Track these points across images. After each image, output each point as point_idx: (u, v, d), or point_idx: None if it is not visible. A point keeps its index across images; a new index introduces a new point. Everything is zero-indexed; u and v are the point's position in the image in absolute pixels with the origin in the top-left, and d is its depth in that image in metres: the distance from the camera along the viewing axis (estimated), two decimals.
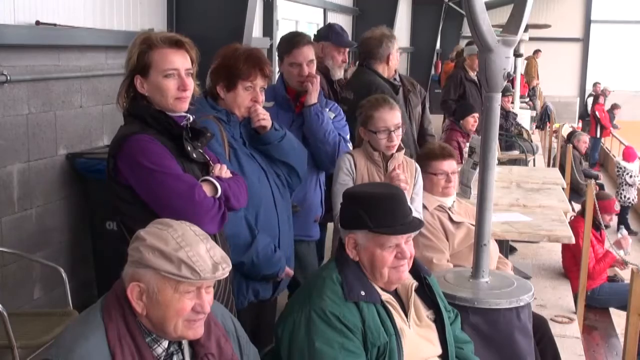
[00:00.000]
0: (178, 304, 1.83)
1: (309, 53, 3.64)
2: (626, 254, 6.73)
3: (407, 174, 3.48)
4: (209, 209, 2.40)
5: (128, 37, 4.61)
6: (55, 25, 4.07)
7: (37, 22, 3.95)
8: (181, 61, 2.41)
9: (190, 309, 1.84)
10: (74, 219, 4.39)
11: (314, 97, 3.55)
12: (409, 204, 2.47)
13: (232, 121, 2.90)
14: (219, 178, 2.51)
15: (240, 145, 2.88)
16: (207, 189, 2.44)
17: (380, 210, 2.35)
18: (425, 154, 3.86)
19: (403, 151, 3.53)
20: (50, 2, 4.13)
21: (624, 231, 6.85)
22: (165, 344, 1.91)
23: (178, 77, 2.40)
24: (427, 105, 5.26)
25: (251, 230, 2.83)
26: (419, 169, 3.58)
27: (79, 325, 1.88)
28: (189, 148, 2.44)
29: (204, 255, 1.83)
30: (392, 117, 3.42)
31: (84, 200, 4.37)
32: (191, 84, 2.44)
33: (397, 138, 3.43)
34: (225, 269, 1.86)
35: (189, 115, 2.47)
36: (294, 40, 3.68)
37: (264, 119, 2.93)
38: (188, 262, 1.80)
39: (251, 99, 2.92)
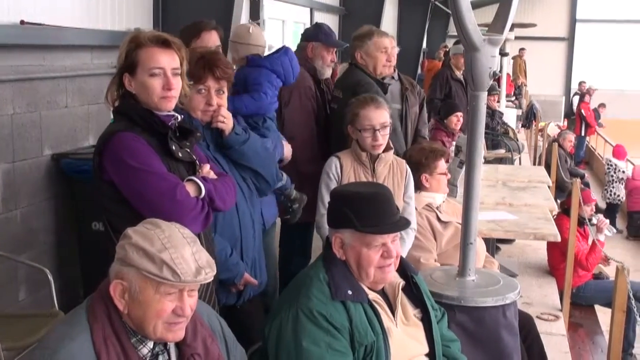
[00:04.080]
0: (158, 305, 1.82)
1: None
2: (611, 232, 6.74)
3: (398, 175, 3.48)
4: (191, 209, 2.38)
5: (114, 37, 4.63)
6: (40, 24, 4.04)
7: (22, 22, 3.92)
8: (167, 60, 2.40)
9: (170, 311, 1.83)
10: (59, 219, 4.36)
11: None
12: (395, 203, 2.47)
13: (195, 124, 2.81)
14: (204, 178, 2.50)
15: (203, 149, 2.80)
16: (190, 189, 2.42)
17: (367, 209, 2.35)
18: (437, 153, 3.88)
19: (392, 151, 3.53)
20: (36, 2, 4.10)
21: (599, 215, 6.89)
22: (150, 344, 1.90)
23: (164, 76, 2.39)
24: (425, 107, 5.26)
25: None
26: (409, 170, 3.58)
27: (64, 326, 1.87)
28: (173, 147, 2.42)
29: (189, 258, 1.83)
30: (378, 115, 3.41)
31: (70, 201, 4.35)
32: (178, 83, 2.43)
33: (383, 137, 3.42)
34: (208, 274, 1.85)
35: (176, 114, 2.46)
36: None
37: (222, 121, 2.87)
38: (170, 263, 1.79)
39: (205, 103, 2.85)
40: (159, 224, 1.90)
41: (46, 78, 4.19)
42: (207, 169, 2.55)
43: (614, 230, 6.89)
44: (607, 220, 6.91)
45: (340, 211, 2.38)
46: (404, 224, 2.43)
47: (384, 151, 3.46)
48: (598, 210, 9.29)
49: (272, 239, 3.81)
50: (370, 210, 2.34)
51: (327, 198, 3.30)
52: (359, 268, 2.34)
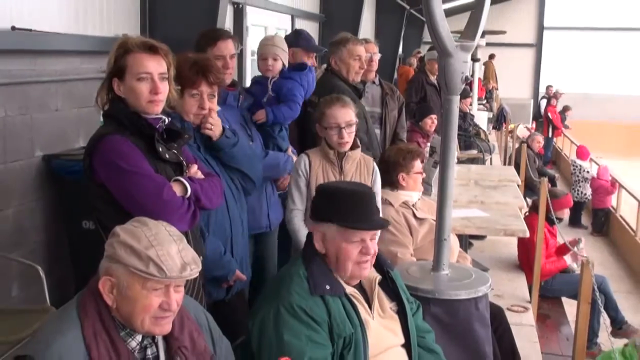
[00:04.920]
0: (145, 300, 1.82)
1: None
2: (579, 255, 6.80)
3: (364, 172, 3.48)
4: (177, 208, 2.38)
5: (102, 43, 4.59)
6: (30, 30, 4.00)
7: (13, 28, 3.88)
8: (155, 66, 2.39)
9: (157, 305, 1.83)
10: (50, 218, 4.32)
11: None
12: (376, 203, 2.48)
13: (187, 126, 2.82)
14: (190, 179, 2.49)
15: (194, 150, 2.82)
16: (177, 188, 2.43)
17: (349, 206, 2.36)
18: (414, 154, 3.89)
19: (359, 149, 3.52)
20: (26, 8, 4.06)
21: (582, 245, 6.97)
22: (139, 337, 1.90)
23: (151, 81, 2.38)
24: (404, 111, 5.28)
25: (201, 232, 2.78)
26: (376, 168, 3.58)
27: (56, 322, 1.86)
28: (160, 149, 2.42)
29: (175, 255, 1.83)
30: (344, 114, 3.40)
31: (60, 200, 4.30)
32: (164, 87, 2.42)
33: (349, 135, 3.40)
34: (193, 270, 1.85)
35: (164, 117, 2.46)
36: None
37: (210, 128, 2.88)
38: (156, 260, 1.80)
39: (198, 107, 2.87)
40: (146, 222, 1.90)
41: (37, 82, 4.15)
42: (194, 170, 2.56)
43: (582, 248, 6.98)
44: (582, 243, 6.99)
45: (323, 206, 2.41)
46: (383, 223, 2.46)
47: (350, 149, 3.44)
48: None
49: (275, 240, 3.79)
50: (353, 207, 2.36)
51: (296, 194, 3.37)
52: (337, 262, 2.36)
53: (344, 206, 2.36)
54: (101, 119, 2.55)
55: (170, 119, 2.51)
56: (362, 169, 3.47)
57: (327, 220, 2.37)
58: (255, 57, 4.09)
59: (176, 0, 5.24)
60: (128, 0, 5.14)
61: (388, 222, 2.50)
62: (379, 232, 2.46)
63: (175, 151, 2.51)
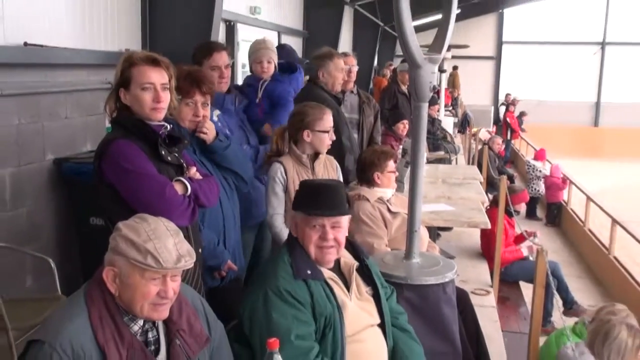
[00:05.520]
0: (144, 288, 1.81)
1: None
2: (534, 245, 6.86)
3: (331, 170, 3.48)
4: (179, 205, 2.38)
5: (107, 57, 4.55)
6: (42, 46, 3.96)
7: (25, 43, 3.84)
8: (157, 77, 2.39)
9: (155, 293, 1.83)
10: (61, 215, 4.28)
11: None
12: (344, 197, 2.47)
13: (183, 131, 2.81)
14: (190, 179, 2.50)
15: (190, 153, 2.80)
16: (178, 188, 2.43)
17: (313, 196, 2.40)
18: (387, 155, 3.89)
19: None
20: (38, 25, 4.02)
21: (537, 239, 7.04)
22: (140, 322, 1.89)
23: (154, 91, 2.39)
24: (379, 118, 5.29)
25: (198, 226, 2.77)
26: (338, 165, 3.58)
27: (65, 309, 1.85)
28: (163, 152, 2.42)
29: (171, 248, 1.82)
30: (331, 119, 3.43)
31: (70, 199, 4.26)
32: (166, 96, 2.42)
33: (330, 138, 3.42)
34: (188, 261, 1.84)
35: (166, 124, 2.46)
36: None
37: (205, 133, 2.88)
38: (154, 252, 1.79)
39: (193, 114, 2.86)
40: (146, 218, 1.89)
41: (48, 93, 4.10)
42: (193, 171, 2.57)
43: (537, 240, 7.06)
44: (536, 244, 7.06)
45: (296, 197, 2.48)
46: (339, 213, 2.40)
47: None
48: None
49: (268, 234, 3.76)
50: (315, 197, 2.39)
51: (274, 200, 3.26)
52: (304, 245, 2.38)
53: (308, 196, 2.41)
54: (107, 126, 2.54)
55: (171, 125, 2.51)
56: (328, 167, 3.48)
57: (296, 208, 2.43)
58: (246, 69, 4.07)
59: (174, 18, 5.21)
60: (130, 17, 5.10)
61: (347, 212, 2.44)
62: (341, 221, 2.40)
63: (177, 154, 2.51)
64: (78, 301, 1.84)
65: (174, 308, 1.94)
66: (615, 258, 9.64)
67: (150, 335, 1.91)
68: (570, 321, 4.53)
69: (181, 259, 1.83)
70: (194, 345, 1.97)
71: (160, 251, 1.80)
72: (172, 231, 1.87)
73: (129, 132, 2.39)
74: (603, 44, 24.14)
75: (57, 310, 1.92)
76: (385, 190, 3.83)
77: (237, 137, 3.46)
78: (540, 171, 13.58)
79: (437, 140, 9.45)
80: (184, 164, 2.54)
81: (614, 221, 9.84)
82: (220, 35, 6.28)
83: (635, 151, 22.33)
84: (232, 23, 7.42)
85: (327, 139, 3.38)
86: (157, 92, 2.38)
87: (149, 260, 1.79)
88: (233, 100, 3.49)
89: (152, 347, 1.91)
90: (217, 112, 3.31)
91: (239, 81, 7.57)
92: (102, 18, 4.76)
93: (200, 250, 2.58)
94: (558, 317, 6.70)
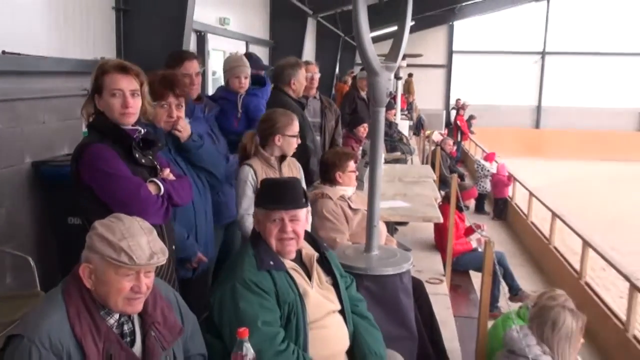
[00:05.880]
0: (118, 284, 1.79)
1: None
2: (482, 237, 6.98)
3: (294, 170, 3.49)
4: (153, 204, 2.37)
5: (82, 64, 4.46)
6: (20, 54, 3.86)
7: (3, 52, 3.74)
8: (126, 84, 2.36)
9: (129, 288, 1.81)
10: (39, 215, 4.17)
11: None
12: (301, 193, 2.47)
13: (159, 132, 2.80)
14: (163, 180, 2.47)
15: (166, 152, 2.79)
16: (151, 188, 2.41)
17: (272, 192, 2.41)
18: (348, 156, 3.89)
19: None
20: (15, 35, 3.91)
21: (484, 232, 7.17)
22: (116, 315, 1.86)
23: (123, 97, 2.36)
24: (340, 121, 5.31)
25: None
26: (299, 165, 3.59)
27: (43, 304, 1.82)
28: (137, 155, 2.40)
29: (144, 246, 1.80)
30: (297, 125, 3.44)
31: (47, 200, 4.16)
32: (135, 102, 2.39)
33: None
34: (160, 259, 1.83)
35: (140, 128, 2.44)
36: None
37: (180, 131, 2.87)
38: (127, 250, 1.77)
39: (167, 115, 2.85)
40: (121, 217, 1.87)
41: (26, 99, 4.00)
42: (167, 172, 2.54)
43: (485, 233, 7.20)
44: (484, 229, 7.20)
45: (257, 194, 2.50)
46: (296, 207, 2.40)
47: None
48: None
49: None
50: (272, 193, 2.41)
51: (245, 201, 3.23)
52: (266, 239, 2.38)
53: (267, 193, 2.43)
54: (84, 130, 2.50)
55: (146, 129, 2.48)
56: (292, 168, 3.50)
57: (257, 205, 2.44)
58: (217, 76, 4.05)
59: (148, 28, 5.13)
60: (105, 26, 5.01)
61: (304, 205, 2.44)
62: (299, 214, 2.40)
63: (151, 157, 2.48)
64: (56, 297, 1.81)
65: (149, 301, 1.92)
66: (555, 248, 9.86)
67: (126, 327, 1.89)
68: (515, 306, 4.62)
69: (154, 256, 1.81)
70: (168, 336, 1.95)
71: (134, 249, 1.78)
72: (146, 230, 1.85)
73: (104, 136, 2.36)
74: (543, 54, 24.65)
75: (36, 306, 1.88)
76: (347, 188, 3.85)
77: None
78: (488, 170, 13.82)
79: (394, 142, 9.51)
80: (158, 166, 2.51)
81: (554, 214, 10.06)
82: (191, 45, 6.22)
83: (573, 150, 22.90)
84: (202, 33, 7.35)
85: (295, 143, 3.39)
86: (125, 98, 2.36)
87: (122, 257, 1.77)
88: (202, 108, 3.47)
89: (128, 339, 1.89)
90: (187, 120, 3.29)
91: (210, 88, 7.50)
92: (78, 27, 4.66)
93: (173, 247, 2.56)
94: (504, 303, 6.83)
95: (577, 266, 8.55)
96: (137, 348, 1.89)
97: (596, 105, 24.10)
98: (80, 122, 4.11)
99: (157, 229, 1.97)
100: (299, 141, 3.45)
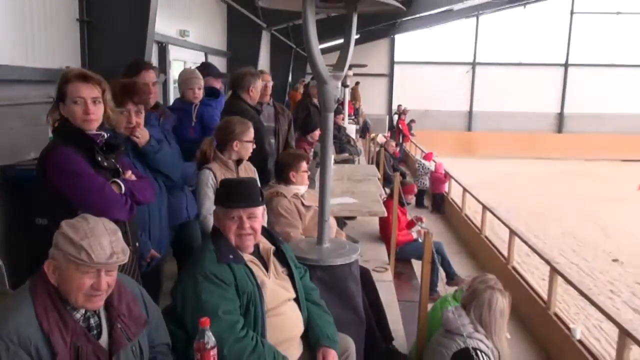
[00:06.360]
0: (78, 281, 1.74)
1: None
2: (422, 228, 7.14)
3: (250, 172, 3.48)
4: (116, 201, 2.32)
5: (49, 73, 4.30)
6: None
7: None
8: (87, 92, 2.30)
9: (89, 286, 1.76)
10: (7, 217, 3.99)
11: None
12: (257, 192, 2.45)
13: (120, 137, 2.74)
14: (125, 180, 2.42)
15: (126, 156, 2.72)
16: (115, 188, 2.37)
17: (230, 192, 2.39)
18: (301, 157, 3.88)
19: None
20: None
21: (424, 224, 7.32)
22: (83, 310, 1.81)
23: (84, 104, 2.30)
24: (292, 126, 5.30)
25: None
26: (255, 169, 3.58)
27: (12, 301, 1.75)
28: (99, 158, 2.34)
29: (106, 245, 1.75)
30: (253, 131, 3.43)
31: (16, 203, 3.99)
32: (96, 109, 2.33)
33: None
34: (120, 258, 1.78)
35: (103, 132, 2.38)
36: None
37: (137, 137, 2.83)
38: (88, 249, 1.72)
39: (127, 121, 2.81)
40: (87, 217, 1.82)
41: None
42: (129, 174, 2.50)
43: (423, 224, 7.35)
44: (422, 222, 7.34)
45: (217, 193, 2.47)
46: (253, 205, 2.38)
47: None
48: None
49: (197, 227, 3.62)
50: (231, 193, 2.38)
51: (207, 202, 3.18)
52: (225, 235, 2.35)
53: (225, 193, 2.40)
54: (50, 135, 2.42)
55: (108, 134, 2.43)
56: (248, 170, 3.49)
57: (217, 204, 2.42)
58: (177, 85, 3.99)
59: (110, 39, 4.99)
60: (70, 37, 4.84)
61: (260, 204, 2.43)
62: (256, 211, 2.38)
63: (113, 160, 2.43)
64: (23, 293, 1.75)
65: (114, 295, 1.87)
66: (486, 237, 10.13)
67: (92, 321, 1.84)
68: (452, 290, 4.73)
69: (113, 256, 1.77)
70: (133, 327, 1.91)
71: (94, 248, 1.74)
72: (110, 230, 1.81)
73: (69, 141, 2.30)
74: (474, 64, 25.29)
75: (3, 303, 1.80)
76: (300, 187, 3.85)
77: None
78: (427, 168, 14.08)
79: (343, 144, 9.55)
80: (120, 168, 2.47)
81: (485, 207, 10.33)
82: (153, 55, 6.08)
83: (501, 150, 23.60)
84: (163, 44, 7.21)
85: (251, 148, 3.40)
86: (87, 105, 2.30)
87: (82, 255, 1.72)
88: (157, 116, 3.39)
89: (95, 332, 1.83)
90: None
91: (171, 95, 7.36)
92: (44, 38, 4.49)
93: (137, 244, 2.51)
94: (442, 287, 6.98)
95: (505, 253, 8.81)
96: (104, 340, 1.84)
97: (520, 110, 24.91)
98: (47, 128, 3.96)
99: (122, 227, 1.93)
100: (254, 146, 3.44)
